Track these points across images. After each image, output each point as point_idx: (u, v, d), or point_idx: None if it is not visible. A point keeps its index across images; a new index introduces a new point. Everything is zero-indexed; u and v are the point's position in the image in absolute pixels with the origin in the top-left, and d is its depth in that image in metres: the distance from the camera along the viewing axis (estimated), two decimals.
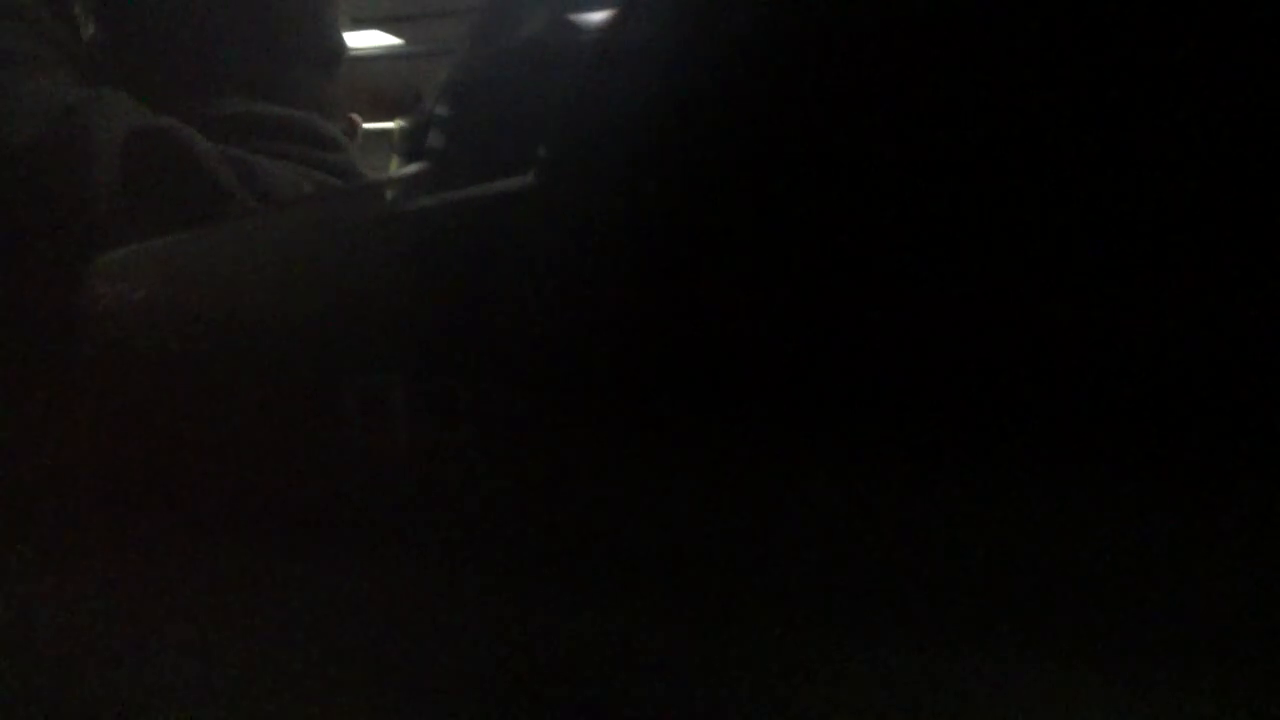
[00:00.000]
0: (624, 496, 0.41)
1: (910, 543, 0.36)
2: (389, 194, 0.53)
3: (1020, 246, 0.34)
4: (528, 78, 0.46)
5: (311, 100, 0.80)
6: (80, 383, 0.55)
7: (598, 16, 0.46)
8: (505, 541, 0.44)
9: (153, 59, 0.78)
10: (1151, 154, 0.33)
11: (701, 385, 0.39)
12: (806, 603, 0.38)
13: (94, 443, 0.54)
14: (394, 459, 0.46)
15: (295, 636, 0.48)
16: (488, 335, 0.44)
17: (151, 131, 0.65)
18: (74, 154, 0.64)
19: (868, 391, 0.37)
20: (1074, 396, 0.34)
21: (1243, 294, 0.32)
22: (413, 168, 0.51)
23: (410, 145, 0.51)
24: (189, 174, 0.63)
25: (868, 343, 0.37)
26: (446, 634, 0.45)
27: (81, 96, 0.69)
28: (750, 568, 0.39)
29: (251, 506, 0.51)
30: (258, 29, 0.80)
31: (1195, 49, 0.32)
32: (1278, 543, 0.32)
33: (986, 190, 0.35)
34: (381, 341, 0.46)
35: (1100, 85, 0.33)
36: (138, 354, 0.54)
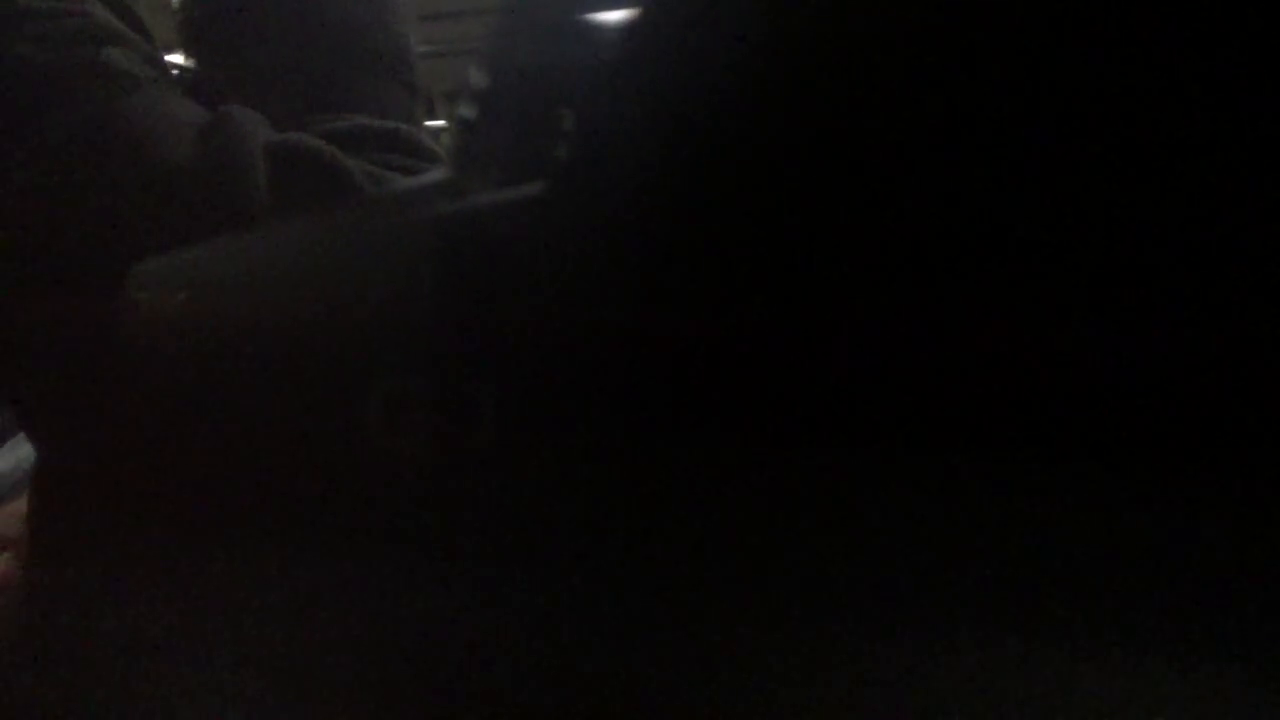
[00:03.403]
0: (645, 501, 0.41)
1: (913, 543, 0.36)
2: (412, 200, 0.54)
3: (1041, 258, 0.34)
4: (550, 82, 0.47)
5: (403, 116, 0.81)
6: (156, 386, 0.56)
7: (619, 20, 0.46)
8: (522, 546, 0.44)
9: (261, 82, 0.80)
10: (1154, 157, 0.33)
11: (722, 391, 0.40)
12: (813, 604, 0.38)
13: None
14: (416, 463, 0.46)
15: (326, 639, 0.49)
16: (511, 341, 0.44)
17: (290, 146, 0.66)
18: (225, 169, 0.65)
19: (883, 396, 0.37)
20: (1077, 398, 0.34)
21: (1243, 295, 0.32)
22: (435, 173, 0.51)
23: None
24: (335, 187, 0.64)
25: (881, 348, 0.37)
26: (463, 639, 0.46)
27: (215, 114, 0.70)
28: (761, 569, 0.39)
29: (268, 508, 0.51)
30: (357, 51, 0.82)
31: (1196, 51, 0.32)
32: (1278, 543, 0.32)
33: (999, 200, 0.35)
34: (404, 347, 0.47)
35: (1106, 89, 0.34)
36: (173, 359, 0.55)
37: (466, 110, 0.51)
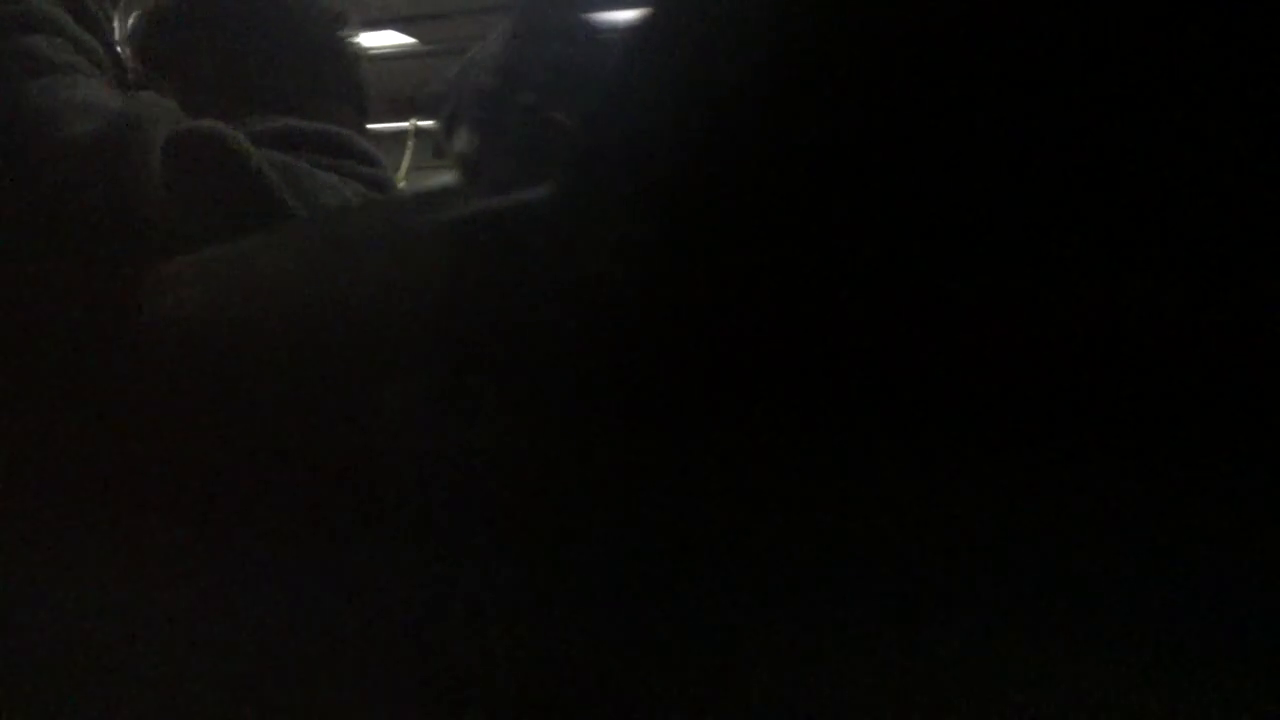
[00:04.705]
0: (654, 498, 0.41)
1: (913, 542, 0.37)
2: (424, 203, 0.54)
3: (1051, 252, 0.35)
4: (560, 85, 0.47)
5: (347, 125, 0.82)
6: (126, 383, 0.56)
7: (628, 23, 0.46)
8: (533, 543, 0.44)
9: (196, 83, 0.81)
10: (1153, 155, 0.33)
11: (728, 390, 0.40)
12: (813, 601, 0.38)
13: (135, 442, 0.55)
14: (424, 460, 0.46)
15: (329, 636, 0.49)
16: (521, 341, 0.44)
17: (194, 132, 0.66)
18: (125, 152, 0.65)
19: (886, 392, 0.37)
20: (1080, 395, 0.34)
21: (1243, 294, 0.32)
22: (446, 177, 0.51)
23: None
24: (234, 175, 0.64)
25: (885, 347, 0.37)
26: (467, 635, 0.46)
27: (127, 99, 0.71)
28: (764, 566, 0.39)
29: (268, 505, 0.51)
30: (298, 58, 0.84)
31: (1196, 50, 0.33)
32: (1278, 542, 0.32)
33: (1010, 202, 0.35)
34: (415, 348, 0.47)
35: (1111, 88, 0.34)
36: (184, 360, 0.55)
37: (477, 113, 0.51)
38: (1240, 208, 0.32)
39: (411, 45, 4.93)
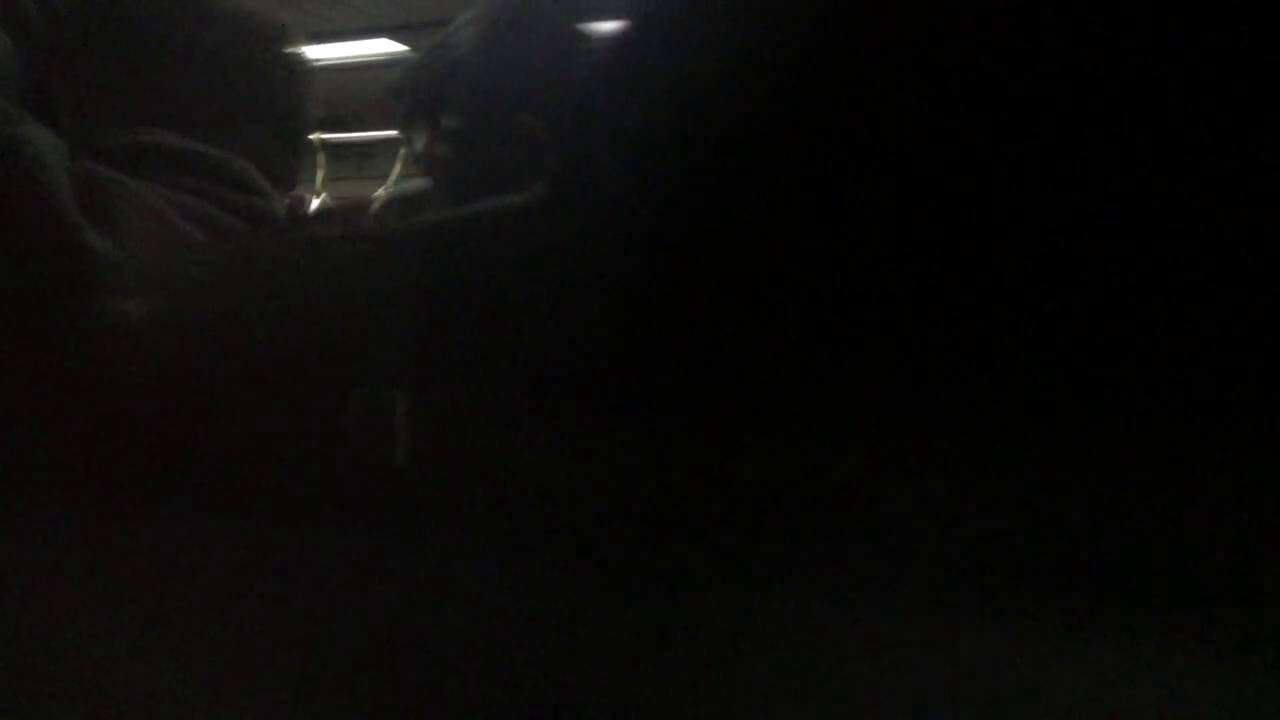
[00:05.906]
0: (633, 501, 0.41)
1: (912, 539, 0.36)
2: (402, 208, 0.54)
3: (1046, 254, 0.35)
4: (537, 91, 0.47)
5: (252, 156, 0.79)
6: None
7: (607, 29, 0.46)
8: (504, 545, 0.44)
9: (94, 84, 0.79)
10: (1153, 155, 0.33)
11: (710, 393, 0.40)
12: (812, 597, 0.38)
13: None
14: (403, 464, 0.46)
15: (310, 636, 0.49)
16: (497, 347, 0.44)
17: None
18: None
19: (867, 395, 0.37)
20: (1081, 388, 0.34)
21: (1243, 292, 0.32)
22: (423, 181, 0.51)
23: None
24: (18, 191, 0.62)
25: (871, 350, 0.37)
26: (449, 631, 0.46)
27: None
28: (760, 565, 0.39)
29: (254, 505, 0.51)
30: (211, 72, 0.80)
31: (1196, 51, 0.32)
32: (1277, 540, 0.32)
33: (993, 212, 0.35)
34: (392, 354, 0.47)
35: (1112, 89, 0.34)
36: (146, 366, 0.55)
37: (452, 120, 0.51)
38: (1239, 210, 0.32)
39: (404, 53, 4.95)
